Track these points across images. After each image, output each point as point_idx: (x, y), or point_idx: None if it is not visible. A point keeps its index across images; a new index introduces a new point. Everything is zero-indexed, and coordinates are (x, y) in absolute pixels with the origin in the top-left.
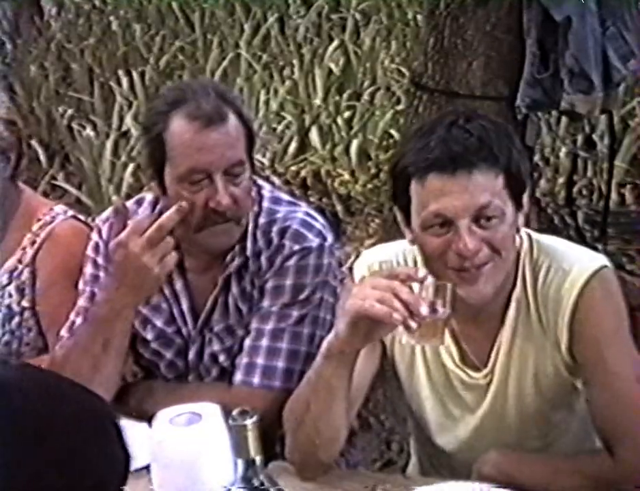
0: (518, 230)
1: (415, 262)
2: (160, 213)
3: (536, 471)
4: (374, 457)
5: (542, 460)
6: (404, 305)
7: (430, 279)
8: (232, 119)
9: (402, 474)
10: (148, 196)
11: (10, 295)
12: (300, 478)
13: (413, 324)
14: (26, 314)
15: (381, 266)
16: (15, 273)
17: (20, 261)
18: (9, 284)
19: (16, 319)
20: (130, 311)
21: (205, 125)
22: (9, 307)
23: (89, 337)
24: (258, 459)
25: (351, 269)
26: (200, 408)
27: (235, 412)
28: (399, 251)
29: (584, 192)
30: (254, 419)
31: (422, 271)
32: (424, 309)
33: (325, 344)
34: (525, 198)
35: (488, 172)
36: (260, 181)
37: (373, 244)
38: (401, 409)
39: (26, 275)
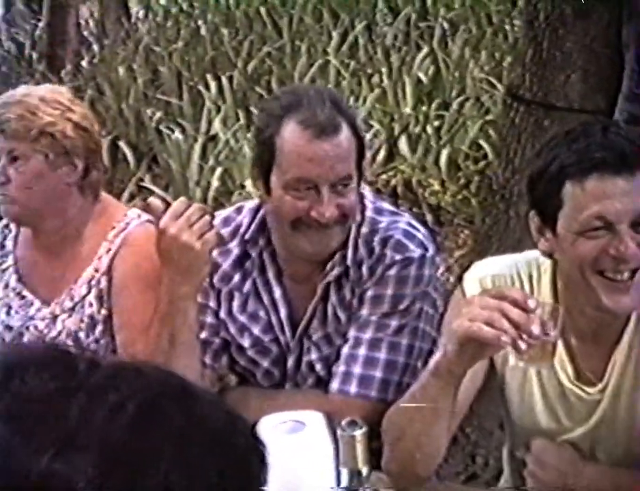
0: None
1: (530, 278)
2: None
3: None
4: (457, 470)
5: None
6: (514, 325)
7: (542, 300)
8: (345, 131)
9: (489, 488)
10: (248, 204)
11: (91, 304)
12: (395, 489)
13: (523, 346)
14: (109, 322)
15: (493, 281)
16: (93, 282)
17: (97, 270)
18: (88, 293)
19: (100, 327)
20: (188, 304)
21: (317, 135)
22: (91, 316)
23: (157, 334)
24: (365, 470)
25: (460, 279)
26: (304, 416)
27: (343, 423)
28: (512, 265)
29: None
30: (363, 429)
31: (533, 302)
32: (536, 329)
33: (432, 362)
34: None
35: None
36: (363, 191)
37: (462, 255)
38: (487, 423)
39: (104, 283)
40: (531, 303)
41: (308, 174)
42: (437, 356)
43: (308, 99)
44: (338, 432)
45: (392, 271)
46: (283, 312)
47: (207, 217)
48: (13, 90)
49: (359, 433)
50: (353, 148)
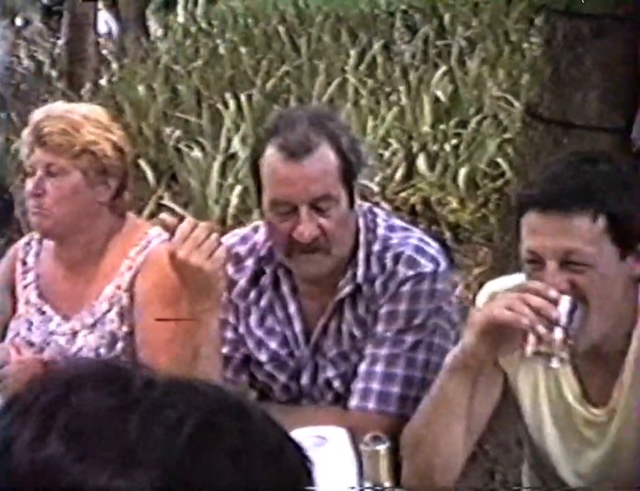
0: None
1: None
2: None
3: None
4: (476, 487)
5: None
6: (534, 310)
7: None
8: (321, 151)
9: None
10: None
11: (112, 321)
12: None
13: (542, 330)
14: (129, 338)
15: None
16: (114, 299)
17: (118, 287)
18: (109, 310)
19: (120, 344)
20: (209, 317)
21: (287, 158)
22: (112, 333)
23: (180, 347)
24: (388, 484)
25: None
26: (326, 431)
27: (367, 438)
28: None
29: None
30: (387, 444)
31: (554, 292)
32: (556, 313)
33: (448, 359)
34: None
35: (583, 217)
36: (375, 209)
37: (481, 273)
38: (506, 439)
39: (125, 300)
40: (553, 293)
41: (282, 196)
42: (453, 352)
43: (285, 122)
44: (362, 446)
45: (405, 287)
46: (297, 327)
47: (215, 235)
48: (46, 105)
49: (382, 448)
50: (333, 167)
